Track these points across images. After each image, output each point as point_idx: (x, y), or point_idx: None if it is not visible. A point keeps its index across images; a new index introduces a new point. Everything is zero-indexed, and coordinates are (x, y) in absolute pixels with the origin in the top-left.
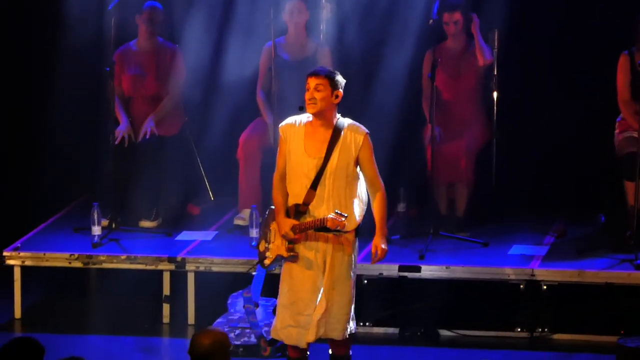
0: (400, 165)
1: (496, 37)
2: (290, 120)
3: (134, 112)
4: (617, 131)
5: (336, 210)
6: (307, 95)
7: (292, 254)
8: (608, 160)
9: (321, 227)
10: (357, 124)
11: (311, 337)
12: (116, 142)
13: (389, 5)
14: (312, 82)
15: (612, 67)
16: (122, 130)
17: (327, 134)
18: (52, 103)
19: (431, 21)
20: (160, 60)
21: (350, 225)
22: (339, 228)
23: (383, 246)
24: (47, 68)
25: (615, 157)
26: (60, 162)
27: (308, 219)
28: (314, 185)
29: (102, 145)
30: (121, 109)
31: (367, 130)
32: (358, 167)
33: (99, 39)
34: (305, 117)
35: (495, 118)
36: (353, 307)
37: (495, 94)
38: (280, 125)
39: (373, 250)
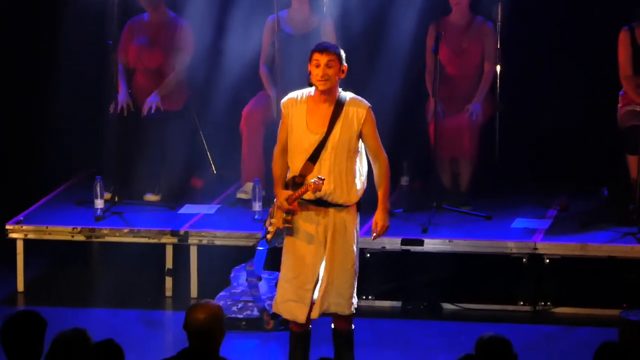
0: (403, 139)
1: (500, 11)
2: (292, 95)
3: (135, 84)
4: (619, 105)
5: (318, 176)
6: (319, 72)
7: (287, 225)
8: (611, 134)
9: (305, 192)
10: (359, 97)
11: (315, 314)
12: (113, 112)
13: None
14: (323, 58)
15: (615, 39)
16: (121, 100)
17: (330, 109)
18: (56, 76)
19: None
20: (169, 33)
21: (350, 200)
22: (317, 191)
23: (383, 222)
24: (50, 41)
25: (617, 131)
26: (63, 135)
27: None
28: (312, 158)
29: (104, 118)
30: (123, 80)
31: (369, 104)
32: (360, 141)
33: (103, 11)
34: (307, 92)
35: (498, 92)
36: (356, 280)
37: (498, 68)
38: (282, 101)
39: (373, 225)
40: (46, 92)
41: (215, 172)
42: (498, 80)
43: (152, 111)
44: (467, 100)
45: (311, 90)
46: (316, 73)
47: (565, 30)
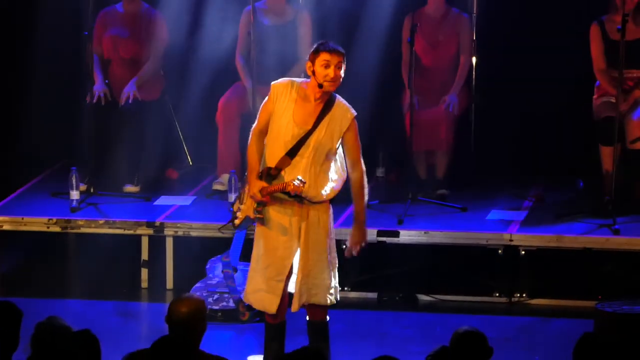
0: (379, 130)
1: (475, 3)
2: (285, 80)
3: (112, 74)
4: (595, 96)
5: (298, 177)
6: (329, 73)
7: (258, 216)
8: (587, 125)
9: (283, 191)
10: (346, 103)
11: (295, 307)
12: (94, 101)
13: None
14: (334, 59)
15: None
16: (97, 89)
17: (319, 107)
18: (31, 67)
19: None
20: (143, 24)
21: (318, 198)
22: (297, 194)
23: (360, 240)
24: (23, 32)
25: (593, 122)
26: (38, 125)
27: (276, 183)
28: (291, 153)
29: (80, 108)
30: (98, 69)
31: (355, 113)
32: (340, 146)
33: (78, 1)
34: (300, 82)
35: (474, 83)
36: (336, 273)
37: (474, 60)
38: (274, 82)
39: (350, 243)
40: (21, 83)
41: (191, 163)
42: (474, 72)
43: (130, 101)
44: (443, 92)
45: (305, 80)
46: (325, 73)
47: (540, 21)
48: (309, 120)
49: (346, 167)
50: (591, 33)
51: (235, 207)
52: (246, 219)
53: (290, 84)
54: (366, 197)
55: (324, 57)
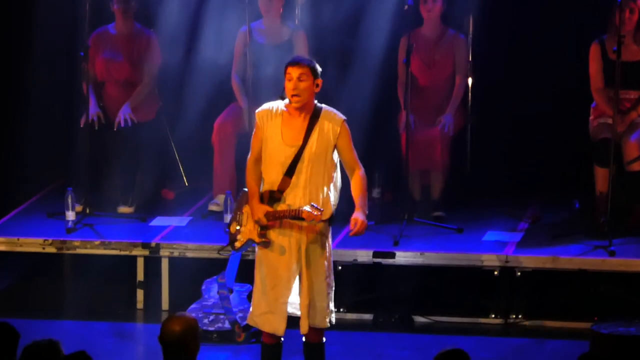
0: (375, 151)
1: (471, 24)
2: (267, 106)
3: (106, 96)
4: (591, 117)
5: (312, 204)
6: (290, 86)
7: (264, 240)
8: (583, 146)
9: (295, 217)
10: (334, 110)
11: (304, 329)
12: (84, 125)
13: None
14: (295, 71)
15: (585, 52)
16: (91, 112)
17: (305, 122)
18: (26, 87)
19: (406, 7)
20: (136, 45)
21: (325, 215)
22: (313, 221)
23: (363, 220)
24: (20, 52)
25: (589, 143)
26: (34, 146)
27: (282, 207)
28: (289, 172)
29: (75, 129)
30: (91, 92)
31: (344, 117)
32: (335, 154)
33: (73, 22)
34: (282, 104)
35: (470, 104)
36: (332, 295)
37: (470, 80)
38: (257, 111)
39: (352, 223)
40: (16, 104)
41: (187, 184)
42: (469, 93)
43: (128, 124)
44: (439, 112)
45: (286, 101)
46: (289, 87)
47: (536, 42)
48: (298, 136)
49: (339, 179)
50: (591, 52)
51: (232, 229)
52: (248, 242)
53: (272, 108)
54: (367, 195)
55: (288, 71)
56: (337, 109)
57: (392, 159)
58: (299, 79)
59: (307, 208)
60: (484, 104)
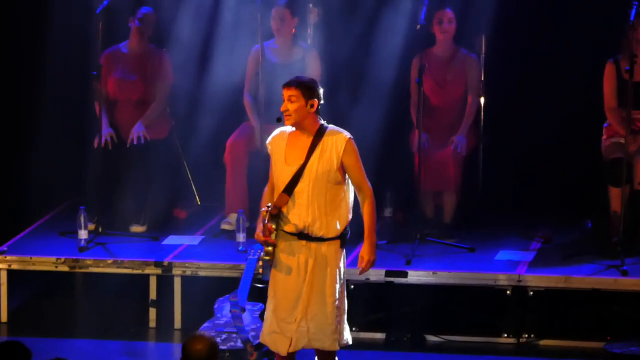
0: (387, 170)
1: (483, 43)
2: (275, 133)
3: (118, 115)
4: (604, 137)
5: (268, 204)
6: (282, 107)
7: (266, 257)
8: (595, 166)
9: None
10: (339, 129)
11: (292, 348)
12: (97, 146)
13: (376, 10)
14: (285, 93)
15: (599, 72)
16: (104, 133)
17: (308, 141)
18: (38, 106)
19: (419, 26)
20: (149, 64)
21: (329, 232)
22: (264, 218)
23: (369, 257)
24: (33, 71)
25: (601, 163)
26: (47, 165)
27: (288, 227)
28: (287, 190)
29: (88, 148)
30: (104, 112)
31: (349, 135)
32: (344, 172)
33: (86, 41)
34: (290, 128)
35: (482, 124)
36: (344, 318)
37: (482, 100)
38: (267, 140)
39: (359, 260)
40: (29, 122)
41: (199, 202)
42: (482, 112)
43: (141, 141)
44: (452, 131)
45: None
46: (282, 108)
47: (548, 62)
48: (300, 156)
49: (353, 196)
50: (606, 71)
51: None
52: (264, 263)
53: (279, 134)
54: (375, 217)
55: (282, 92)
56: (349, 128)
57: (404, 178)
58: (289, 100)
59: (263, 208)
60: (496, 124)
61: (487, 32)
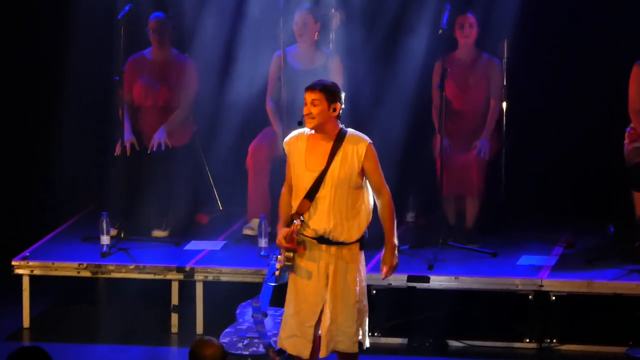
0: (409, 175)
1: (505, 48)
2: (293, 134)
3: (142, 121)
4: (626, 141)
5: (301, 217)
6: (305, 110)
7: (287, 263)
8: (617, 170)
9: (295, 232)
10: (359, 134)
11: (323, 353)
12: (118, 152)
13: (398, 14)
14: (308, 96)
15: (622, 76)
16: (126, 139)
17: (328, 146)
18: (61, 111)
19: (441, 31)
20: (174, 71)
21: (350, 237)
22: (295, 231)
23: (390, 263)
24: (55, 77)
25: (624, 167)
26: (69, 170)
27: (308, 231)
28: (308, 195)
29: (110, 154)
30: (126, 118)
31: (369, 140)
32: (364, 177)
33: (108, 47)
34: (308, 130)
35: (504, 129)
36: (366, 320)
37: (504, 104)
38: (284, 141)
39: (382, 266)
40: (52, 127)
41: (221, 208)
42: (504, 117)
43: (162, 148)
44: (474, 136)
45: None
46: (304, 110)
47: (571, 66)
48: (321, 161)
49: (372, 199)
50: (632, 73)
51: (277, 265)
52: (283, 268)
53: (297, 135)
54: (395, 221)
55: (305, 95)
56: (371, 133)
57: (427, 183)
58: (312, 103)
59: (295, 221)
60: (519, 129)
61: (510, 37)
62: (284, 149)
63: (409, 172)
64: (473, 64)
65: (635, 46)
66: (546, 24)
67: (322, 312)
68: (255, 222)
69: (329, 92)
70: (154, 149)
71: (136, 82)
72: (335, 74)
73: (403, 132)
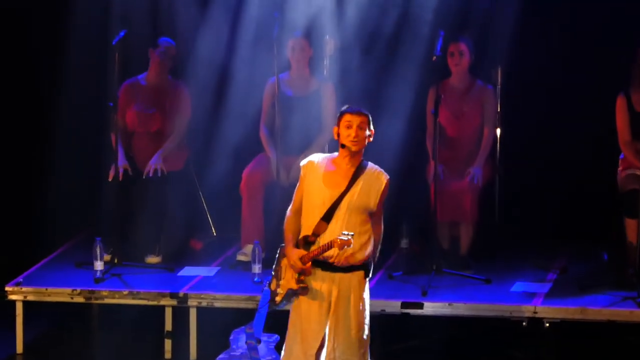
0: (403, 201)
1: (499, 74)
2: (312, 157)
3: (135, 146)
4: (620, 168)
5: (344, 232)
6: (351, 133)
7: (302, 285)
8: (611, 197)
9: (327, 249)
10: (379, 168)
11: None
12: (111, 178)
13: (392, 41)
14: (356, 120)
15: (615, 103)
16: (120, 165)
17: (351, 170)
18: (55, 137)
19: (435, 57)
20: (168, 98)
21: (357, 259)
22: (346, 247)
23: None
24: (48, 103)
25: (617, 194)
26: (63, 196)
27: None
28: (326, 216)
29: (103, 179)
30: (120, 144)
31: (388, 176)
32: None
33: (103, 73)
34: (329, 156)
35: (498, 155)
36: (367, 351)
37: (498, 131)
38: (301, 163)
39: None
40: (46, 153)
41: (215, 233)
42: (498, 144)
43: (158, 174)
44: (468, 163)
45: (334, 154)
46: (348, 134)
47: (564, 93)
48: (341, 182)
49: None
50: (617, 105)
51: (272, 286)
52: (288, 292)
53: (316, 158)
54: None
55: (346, 118)
56: (366, 159)
57: (420, 209)
58: (359, 126)
59: (340, 237)
60: (513, 155)
61: (504, 64)
62: (277, 175)
63: (403, 199)
64: (467, 90)
65: (624, 73)
66: (540, 51)
67: (324, 337)
68: (249, 248)
69: (370, 118)
70: (150, 175)
71: (130, 108)
72: (329, 101)
73: (397, 158)
